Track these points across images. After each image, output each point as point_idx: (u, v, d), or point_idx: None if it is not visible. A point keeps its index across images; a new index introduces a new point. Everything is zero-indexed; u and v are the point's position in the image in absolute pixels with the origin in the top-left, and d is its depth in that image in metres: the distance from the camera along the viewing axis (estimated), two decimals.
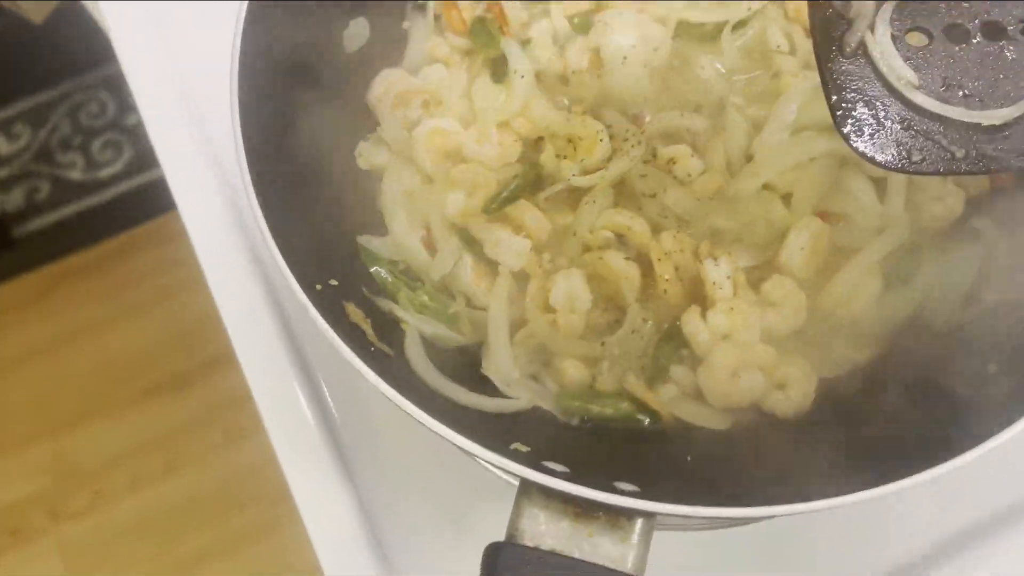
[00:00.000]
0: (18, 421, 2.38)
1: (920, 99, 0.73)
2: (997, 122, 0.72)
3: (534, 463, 0.69)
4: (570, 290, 0.85)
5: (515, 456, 0.69)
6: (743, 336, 0.84)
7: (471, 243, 0.89)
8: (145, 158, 2.61)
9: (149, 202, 2.54)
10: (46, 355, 2.48)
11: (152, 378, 2.44)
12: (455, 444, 0.67)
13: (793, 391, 0.83)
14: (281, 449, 0.90)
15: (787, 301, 0.86)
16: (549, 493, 0.68)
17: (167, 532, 2.27)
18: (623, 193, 0.92)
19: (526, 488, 0.68)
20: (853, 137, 0.73)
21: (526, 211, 0.88)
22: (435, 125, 0.92)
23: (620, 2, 0.95)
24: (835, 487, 0.67)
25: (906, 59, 0.74)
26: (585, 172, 0.90)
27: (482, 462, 0.92)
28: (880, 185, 0.89)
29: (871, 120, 0.74)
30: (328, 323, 0.70)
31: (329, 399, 0.96)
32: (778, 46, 0.93)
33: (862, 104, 0.74)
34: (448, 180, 0.90)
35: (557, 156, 0.91)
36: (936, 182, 0.90)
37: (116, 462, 2.36)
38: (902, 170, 0.73)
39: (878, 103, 0.74)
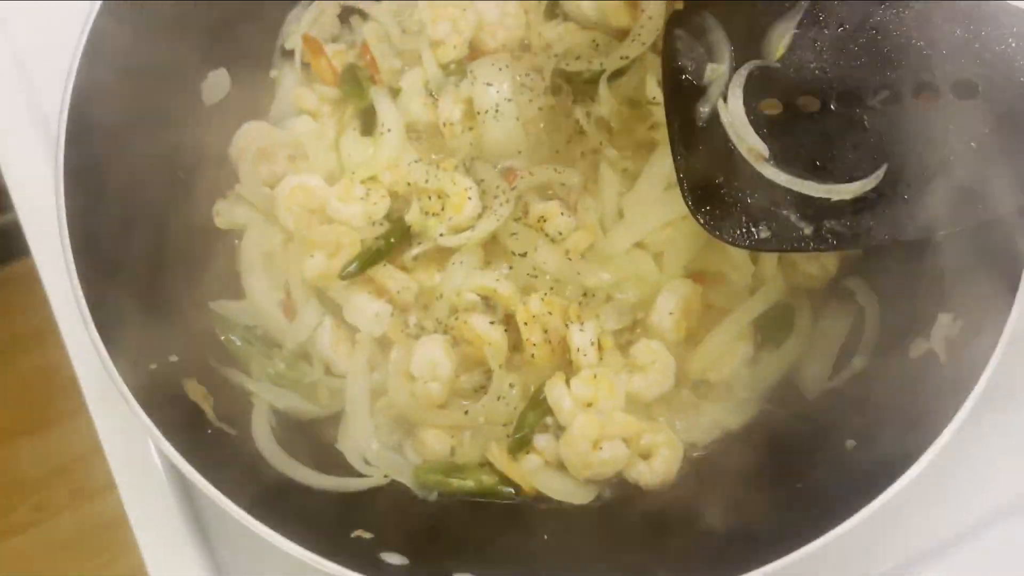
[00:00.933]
0: None
1: (770, 172, 0.71)
2: (847, 197, 0.70)
3: (372, 556, 0.67)
4: (432, 357, 0.83)
5: (352, 548, 0.67)
6: (605, 404, 0.81)
7: (332, 307, 0.86)
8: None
9: None
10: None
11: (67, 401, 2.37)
12: (280, 548, 0.64)
13: (658, 461, 0.81)
14: (132, 508, 0.86)
15: (655, 365, 0.84)
16: None
17: (109, 547, 2.22)
18: (495, 251, 0.89)
19: None
20: (699, 210, 0.71)
21: (389, 274, 0.86)
22: (298, 182, 0.88)
23: (492, 52, 0.92)
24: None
25: (759, 129, 0.72)
26: (454, 231, 0.87)
27: None
28: None
29: (720, 192, 0.71)
30: (149, 416, 0.67)
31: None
32: (653, 97, 0.90)
33: (711, 175, 0.72)
34: (308, 242, 0.86)
35: (425, 213, 0.87)
36: None
37: (58, 472, 2.31)
38: (748, 247, 0.71)
39: (728, 175, 0.72)
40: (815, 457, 0.77)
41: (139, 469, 0.88)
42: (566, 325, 0.84)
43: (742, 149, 0.71)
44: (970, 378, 0.69)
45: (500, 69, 0.90)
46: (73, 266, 0.70)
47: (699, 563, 0.71)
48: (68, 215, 0.71)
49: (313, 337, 0.85)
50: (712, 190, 0.71)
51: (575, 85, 0.92)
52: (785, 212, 0.70)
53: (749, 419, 0.84)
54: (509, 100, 0.89)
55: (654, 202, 0.86)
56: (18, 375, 2.30)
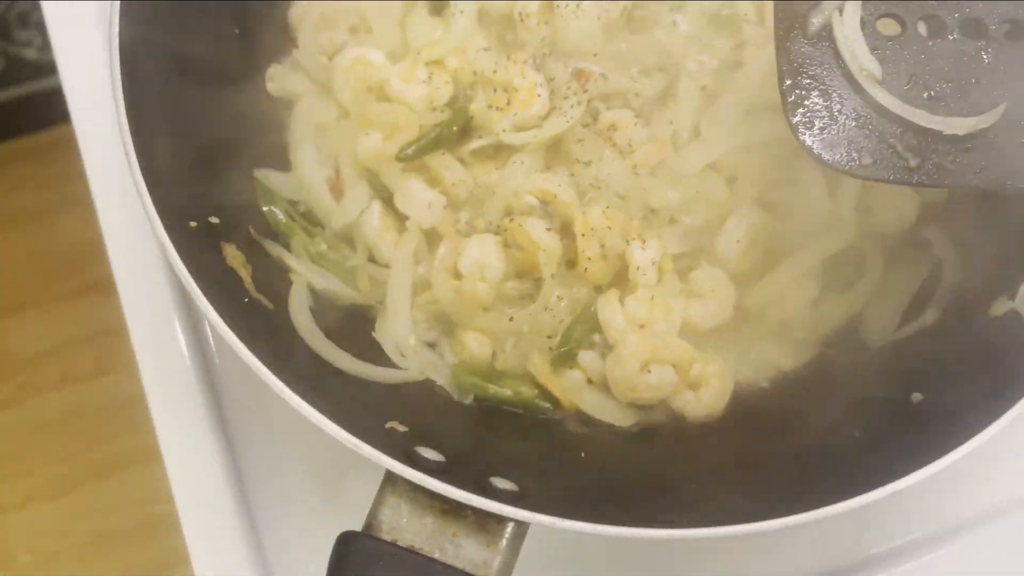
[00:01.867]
0: None
1: (881, 96, 0.66)
2: (960, 132, 0.65)
3: (407, 448, 0.63)
4: (482, 257, 0.78)
5: (387, 438, 0.63)
6: (660, 327, 0.77)
7: (382, 191, 0.81)
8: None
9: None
10: None
11: (91, 274, 2.34)
12: (318, 426, 0.60)
13: (706, 393, 0.77)
14: (151, 387, 0.83)
15: (714, 294, 0.80)
16: (415, 485, 0.62)
17: (91, 431, 2.21)
18: (558, 157, 0.84)
19: (392, 476, 0.62)
20: (802, 128, 0.66)
21: (446, 164, 0.81)
22: (359, 54, 0.83)
23: None
24: (734, 514, 0.62)
25: (873, 49, 0.67)
26: (518, 128, 0.82)
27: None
28: (832, 182, 0.81)
29: (824, 112, 0.66)
30: (189, 269, 0.62)
31: (211, 341, 0.88)
32: (746, 14, 0.84)
33: (817, 93, 0.67)
34: (365, 117, 0.81)
35: (489, 106, 0.82)
36: (892, 186, 0.83)
37: (47, 355, 2.28)
38: (850, 172, 0.66)
39: (835, 94, 0.67)
40: (875, 407, 0.73)
41: (162, 348, 0.85)
42: (626, 242, 0.79)
43: (853, 68, 0.66)
44: None
45: None
46: (124, 113, 0.64)
47: (732, 498, 0.68)
48: (122, 64, 0.66)
49: (359, 220, 0.80)
50: (816, 109, 0.66)
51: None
52: (892, 141, 0.65)
53: (806, 361, 0.80)
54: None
55: (734, 123, 0.81)
56: (48, 243, 2.27)
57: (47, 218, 2.37)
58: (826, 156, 0.65)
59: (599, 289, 0.80)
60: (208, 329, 0.87)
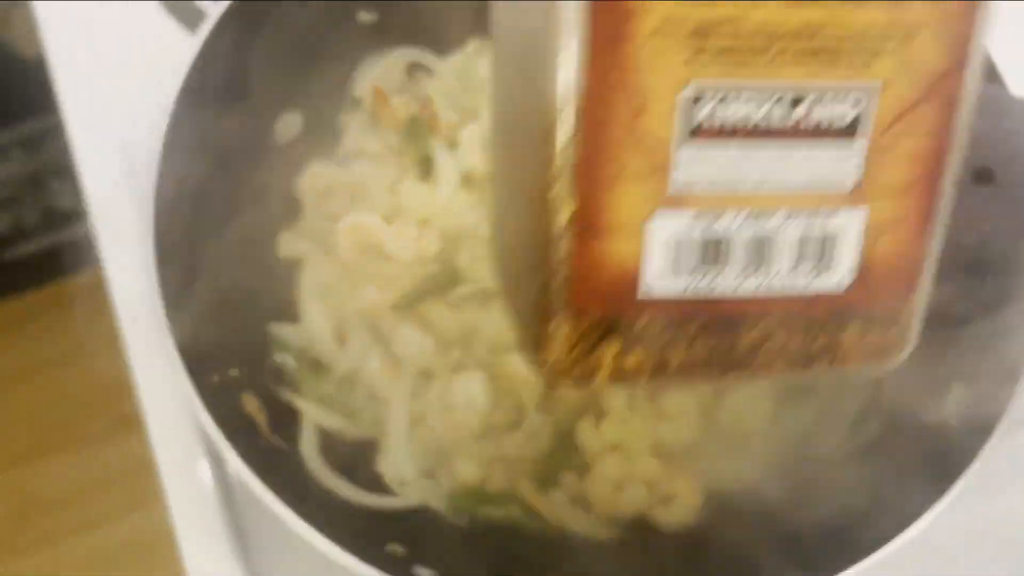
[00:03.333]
0: None
1: None
2: None
3: (405, 569, 0.72)
4: (469, 392, 0.88)
5: (387, 561, 0.71)
6: (632, 447, 0.86)
7: (380, 338, 0.92)
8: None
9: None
10: (23, 383, 2.48)
11: (112, 417, 2.42)
12: (320, 550, 0.69)
13: (677, 506, 0.85)
14: (179, 519, 0.91)
15: (682, 415, 0.88)
16: None
17: (121, 573, 2.25)
18: None
19: None
20: None
21: (436, 311, 0.91)
22: (357, 220, 0.95)
23: None
24: None
25: None
26: None
27: None
28: None
29: None
30: (214, 419, 0.72)
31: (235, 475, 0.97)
32: None
33: None
34: (364, 274, 0.93)
35: (473, 257, 0.93)
36: None
37: (75, 497, 2.35)
38: None
39: None
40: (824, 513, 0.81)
41: (188, 482, 0.93)
42: None
43: None
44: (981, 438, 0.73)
45: None
46: (156, 276, 0.76)
47: None
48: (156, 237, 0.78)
49: (361, 365, 0.91)
50: None
51: None
52: None
53: (765, 473, 0.88)
54: None
55: None
56: (72, 388, 2.36)
57: (71, 364, 2.49)
58: None
59: (578, 412, 0.90)
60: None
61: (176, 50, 0.90)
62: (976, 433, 0.76)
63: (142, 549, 2.09)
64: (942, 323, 0.82)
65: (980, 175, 0.76)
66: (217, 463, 0.95)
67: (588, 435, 0.87)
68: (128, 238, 0.99)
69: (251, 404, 0.81)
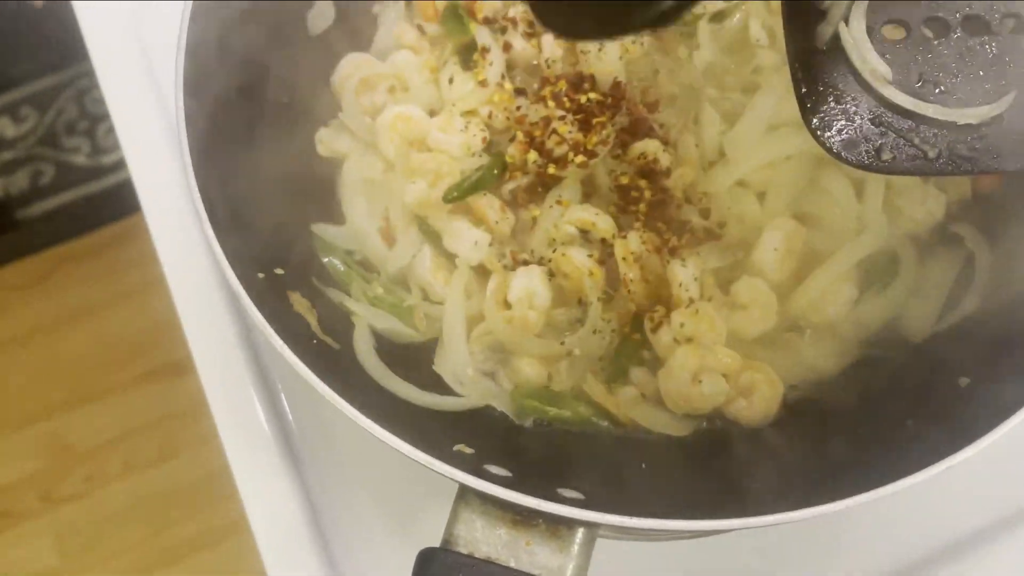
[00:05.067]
0: (14, 402, 2.37)
1: (893, 95, 0.70)
2: (974, 121, 0.68)
3: (475, 466, 0.67)
4: (530, 287, 0.82)
5: (456, 459, 0.66)
6: (707, 339, 0.80)
7: (431, 235, 0.86)
8: None
9: None
10: (46, 336, 2.47)
11: (149, 363, 2.41)
12: (390, 445, 0.64)
13: (757, 398, 0.80)
14: (235, 458, 0.88)
15: (756, 304, 0.83)
16: (487, 499, 0.65)
17: (158, 518, 2.25)
18: (592, 187, 0.88)
19: (464, 493, 0.65)
20: (821, 132, 0.70)
21: (488, 203, 0.85)
22: (400, 111, 0.89)
23: None
24: (792, 501, 0.63)
25: (881, 53, 0.71)
26: (553, 164, 0.86)
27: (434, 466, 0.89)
28: (859, 187, 0.85)
29: (841, 115, 0.70)
30: (263, 313, 0.67)
31: (286, 406, 0.93)
32: (757, 40, 0.89)
33: (832, 98, 0.71)
34: (410, 168, 0.87)
35: (524, 147, 0.87)
36: (916, 185, 0.86)
37: (110, 445, 2.35)
38: (871, 168, 0.69)
39: (849, 98, 0.70)
40: (924, 397, 0.75)
41: (242, 422, 0.91)
42: (666, 261, 0.83)
43: (864, 72, 0.70)
44: None
45: None
46: (193, 176, 0.70)
47: (793, 490, 0.69)
48: (189, 134, 0.72)
49: (412, 263, 0.85)
50: (833, 112, 0.70)
51: (677, 27, 0.92)
52: (910, 135, 0.69)
53: (851, 361, 0.83)
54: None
55: (756, 141, 0.85)
56: (108, 334, 2.36)
57: (106, 311, 2.47)
58: (846, 155, 0.69)
59: (643, 308, 0.84)
60: (284, 400, 0.93)
61: None
62: None
63: (194, 491, 2.09)
64: None
65: None
66: (271, 402, 0.92)
67: (659, 326, 0.81)
68: (162, 176, 0.96)
69: (300, 303, 0.76)
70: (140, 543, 2.23)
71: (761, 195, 0.85)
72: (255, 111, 0.83)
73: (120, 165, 2.62)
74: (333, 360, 0.75)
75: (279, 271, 0.76)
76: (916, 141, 0.69)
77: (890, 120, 0.69)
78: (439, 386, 0.80)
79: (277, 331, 0.66)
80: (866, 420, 0.77)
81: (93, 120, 2.67)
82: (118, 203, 2.59)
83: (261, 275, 0.73)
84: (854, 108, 0.70)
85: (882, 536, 0.84)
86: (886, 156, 0.69)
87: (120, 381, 2.38)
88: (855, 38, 0.71)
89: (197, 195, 0.70)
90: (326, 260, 0.84)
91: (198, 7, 0.76)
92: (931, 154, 0.68)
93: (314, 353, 0.72)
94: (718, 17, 0.90)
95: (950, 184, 0.85)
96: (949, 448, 0.64)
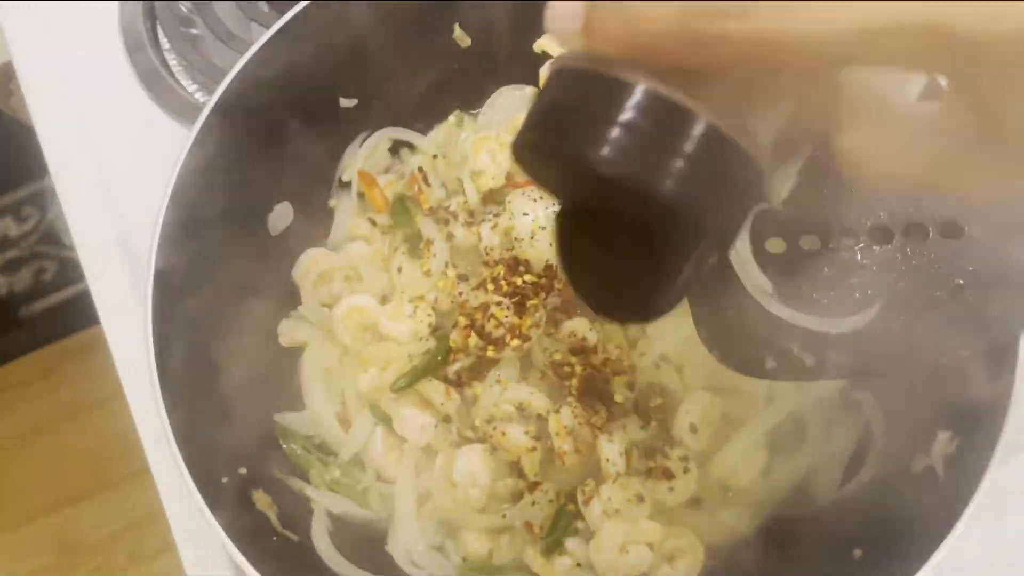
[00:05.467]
0: (22, 497, 2.43)
1: (774, 307, 0.79)
2: (845, 331, 0.77)
3: None
4: (471, 467, 0.91)
5: None
6: (633, 511, 0.88)
7: (383, 417, 0.95)
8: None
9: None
10: (49, 432, 2.54)
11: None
12: None
13: (680, 563, 0.88)
14: (190, 567, 0.94)
15: (679, 474, 0.91)
16: None
17: None
18: (529, 363, 0.97)
19: None
20: (711, 345, 0.79)
21: (434, 388, 0.94)
22: (353, 303, 0.98)
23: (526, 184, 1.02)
24: None
25: (764, 268, 0.80)
26: (492, 346, 0.95)
27: None
28: None
29: (730, 330, 0.79)
30: (221, 525, 0.75)
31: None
32: None
33: (723, 314, 0.80)
34: (362, 358, 0.96)
35: (466, 331, 0.96)
36: None
37: (117, 536, 2.41)
38: (756, 376, 0.78)
39: (737, 313, 0.79)
40: (824, 564, 0.83)
41: (200, 536, 0.95)
42: (595, 436, 0.92)
43: (748, 287, 0.79)
44: (966, 493, 0.75)
45: (535, 200, 1.00)
46: (162, 401, 0.79)
47: None
48: (154, 332, 0.81)
49: (366, 446, 0.94)
50: (723, 326, 0.79)
51: None
52: (790, 345, 0.78)
53: (762, 523, 0.91)
54: (543, 228, 0.99)
55: (674, 319, 0.94)
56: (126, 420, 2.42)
57: (106, 405, 2.55)
58: (736, 367, 0.78)
59: (578, 477, 0.93)
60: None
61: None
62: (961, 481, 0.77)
63: None
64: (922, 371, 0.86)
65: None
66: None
67: (590, 500, 0.89)
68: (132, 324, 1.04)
69: (262, 500, 0.85)
70: None
71: (679, 368, 0.94)
72: (220, 300, 0.91)
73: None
74: (292, 551, 0.83)
75: (243, 471, 0.85)
76: (795, 350, 0.78)
77: (774, 331, 0.78)
78: (391, 567, 0.88)
79: (235, 541, 0.75)
80: None
81: None
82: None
83: (225, 480, 0.82)
84: (742, 321, 0.79)
85: None
86: (770, 365, 0.77)
87: (122, 474, 2.45)
88: (740, 255, 0.80)
89: (166, 419, 0.79)
90: (286, 447, 0.93)
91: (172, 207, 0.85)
92: (808, 363, 0.77)
93: (274, 549, 0.81)
94: None
95: None
96: None
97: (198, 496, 0.77)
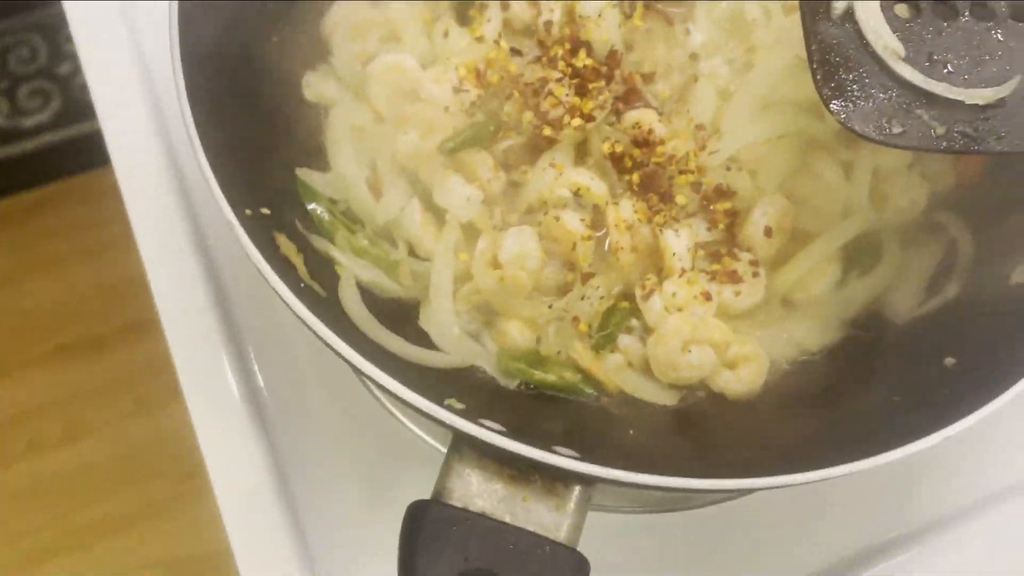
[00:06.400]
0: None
1: (905, 71, 0.70)
2: (980, 102, 0.70)
3: (470, 419, 0.64)
4: (521, 247, 0.80)
5: (450, 411, 0.63)
6: (698, 310, 0.79)
7: (420, 189, 0.83)
8: (75, 110, 2.46)
9: (75, 157, 2.40)
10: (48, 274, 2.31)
11: (64, 337, 2.30)
12: (393, 393, 0.61)
13: (744, 372, 0.80)
14: (199, 418, 0.84)
15: (747, 278, 0.82)
16: (483, 451, 0.63)
17: (63, 501, 2.15)
18: (585, 153, 0.87)
19: (458, 445, 0.63)
20: (833, 102, 0.70)
21: (481, 160, 0.83)
22: (392, 60, 0.86)
23: None
24: (774, 469, 0.63)
25: (893, 30, 0.72)
26: (549, 126, 0.84)
27: (411, 427, 0.87)
28: (847, 172, 0.86)
29: (853, 87, 0.71)
30: (257, 249, 0.63)
31: (256, 367, 0.89)
32: (753, 18, 0.89)
33: (845, 70, 0.71)
34: (402, 118, 0.84)
35: (520, 106, 0.85)
36: (902, 174, 0.87)
37: (15, 422, 2.23)
38: (881, 141, 0.70)
39: (862, 70, 0.71)
40: (909, 374, 0.76)
41: (210, 384, 0.87)
42: (657, 232, 0.82)
43: (878, 47, 0.71)
44: None
45: None
46: (188, 110, 0.67)
47: (774, 462, 0.69)
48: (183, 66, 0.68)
49: (400, 217, 0.82)
50: (845, 83, 0.70)
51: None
52: (919, 111, 0.70)
53: (835, 340, 0.83)
54: (613, 6, 0.88)
55: (750, 119, 0.85)
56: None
57: (17, 282, 2.35)
58: (858, 127, 0.69)
59: (633, 275, 0.83)
60: (255, 363, 0.90)
61: None
62: None
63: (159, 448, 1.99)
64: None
65: None
66: (241, 364, 0.88)
67: (651, 295, 0.80)
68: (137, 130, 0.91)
69: (287, 246, 0.73)
70: (43, 526, 2.12)
71: (753, 172, 0.85)
72: (246, 47, 0.79)
73: (40, 129, 2.50)
74: (320, 307, 0.71)
75: (266, 211, 0.72)
76: (925, 118, 0.70)
77: (901, 95, 0.70)
78: (426, 342, 0.77)
79: (273, 267, 0.63)
80: (850, 401, 0.77)
81: (14, 80, 2.53)
82: (37, 169, 2.47)
83: (248, 212, 0.69)
84: (867, 81, 0.71)
85: (864, 509, 0.85)
86: (896, 130, 0.69)
87: (32, 355, 2.26)
88: (868, 12, 0.71)
89: (192, 126, 0.66)
90: (310, 207, 0.80)
91: None
92: (939, 131, 0.69)
93: (304, 297, 0.69)
94: None
95: (935, 175, 0.87)
96: (939, 423, 0.64)
97: (228, 212, 0.64)
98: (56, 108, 2.52)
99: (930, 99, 0.70)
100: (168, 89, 0.71)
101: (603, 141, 0.85)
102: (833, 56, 0.71)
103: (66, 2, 1.02)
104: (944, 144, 0.69)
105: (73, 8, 1.00)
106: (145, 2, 0.98)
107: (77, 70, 2.41)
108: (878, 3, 0.72)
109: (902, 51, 0.70)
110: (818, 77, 0.70)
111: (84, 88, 0.98)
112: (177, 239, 0.91)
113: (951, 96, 0.69)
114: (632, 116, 0.86)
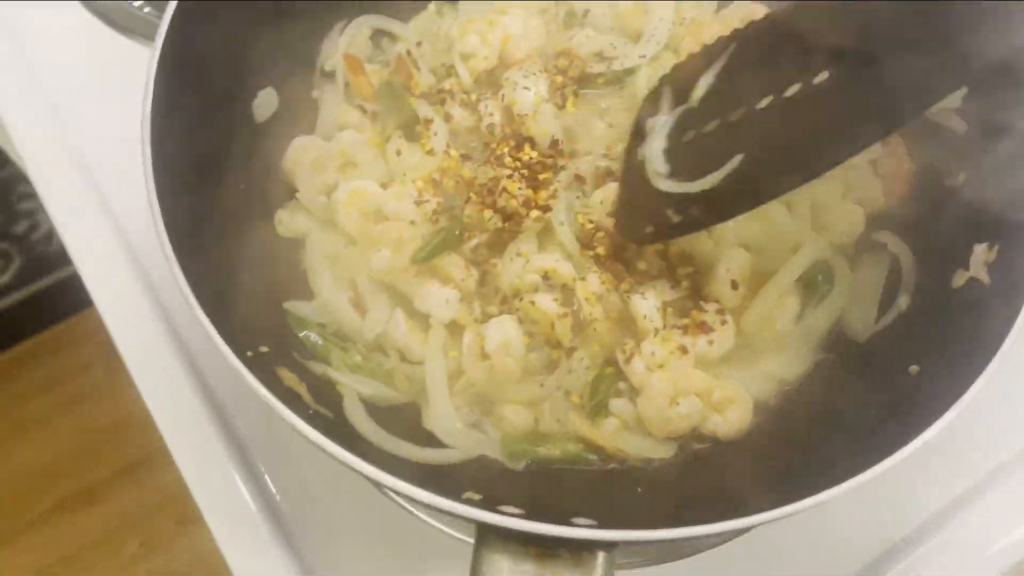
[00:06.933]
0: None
1: (661, 184, 0.82)
2: (696, 190, 0.79)
3: (489, 508, 0.68)
4: (504, 335, 0.85)
5: (470, 504, 0.68)
6: (678, 363, 0.85)
7: (401, 299, 0.89)
8: (36, 267, 2.49)
9: (43, 311, 2.42)
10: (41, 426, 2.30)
11: (60, 492, 2.30)
12: (411, 497, 0.65)
13: (731, 413, 0.85)
14: (222, 538, 0.87)
15: (716, 327, 0.88)
16: (508, 536, 0.67)
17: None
18: (547, 237, 0.93)
19: (484, 535, 0.67)
20: (622, 228, 0.87)
21: (452, 262, 0.89)
22: (354, 186, 0.92)
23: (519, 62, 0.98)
24: (777, 499, 0.67)
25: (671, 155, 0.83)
26: (506, 220, 0.90)
27: (431, 522, 0.91)
28: (789, 209, 0.92)
29: (634, 206, 0.85)
30: (265, 387, 0.68)
31: (269, 481, 0.93)
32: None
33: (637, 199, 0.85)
34: (372, 239, 0.89)
35: (479, 206, 0.91)
36: (836, 204, 0.94)
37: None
38: (644, 243, 0.86)
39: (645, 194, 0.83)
40: (881, 387, 0.82)
41: (227, 504, 0.91)
42: (625, 298, 0.88)
43: (650, 172, 0.82)
44: (1019, 289, 0.75)
45: (534, 74, 0.96)
46: (179, 270, 0.71)
47: (777, 493, 0.73)
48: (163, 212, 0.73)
49: (386, 329, 0.88)
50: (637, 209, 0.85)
51: (597, 87, 1.00)
52: (667, 211, 0.81)
53: (807, 369, 0.89)
54: (546, 101, 0.95)
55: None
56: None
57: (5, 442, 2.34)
58: (631, 238, 0.87)
59: (611, 343, 0.88)
60: (268, 479, 0.94)
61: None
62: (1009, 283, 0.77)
63: None
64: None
65: None
66: (255, 481, 0.92)
67: (631, 359, 0.85)
68: (117, 273, 0.96)
69: (289, 378, 0.77)
70: None
71: (711, 231, 0.91)
72: (217, 197, 0.84)
73: (6, 291, 2.52)
74: (332, 430, 0.76)
75: (264, 349, 0.77)
76: (669, 212, 0.81)
77: (662, 203, 0.82)
78: (433, 441, 0.82)
79: (283, 402, 0.67)
80: (833, 421, 0.82)
81: None
82: (5, 331, 2.48)
83: (249, 354, 0.74)
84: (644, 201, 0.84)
85: (868, 521, 0.90)
86: (648, 230, 0.84)
87: (33, 515, 2.25)
88: (651, 150, 0.82)
89: (183, 281, 0.71)
90: (302, 335, 0.85)
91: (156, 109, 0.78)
92: (675, 220, 0.81)
93: (315, 423, 0.73)
94: (628, 73, 0.98)
95: (865, 199, 0.94)
96: (917, 428, 0.70)
97: (233, 359, 0.69)
98: (17, 268, 2.54)
99: (676, 198, 0.81)
100: (146, 242, 0.75)
101: (574, 216, 0.91)
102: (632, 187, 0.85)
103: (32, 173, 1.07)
104: (677, 231, 0.83)
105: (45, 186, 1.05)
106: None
107: (34, 227, 2.45)
108: (660, 138, 0.84)
109: (664, 170, 0.82)
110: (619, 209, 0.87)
111: (45, 242, 1.03)
112: (171, 369, 0.95)
113: (681, 191, 0.80)
114: (598, 194, 0.92)
